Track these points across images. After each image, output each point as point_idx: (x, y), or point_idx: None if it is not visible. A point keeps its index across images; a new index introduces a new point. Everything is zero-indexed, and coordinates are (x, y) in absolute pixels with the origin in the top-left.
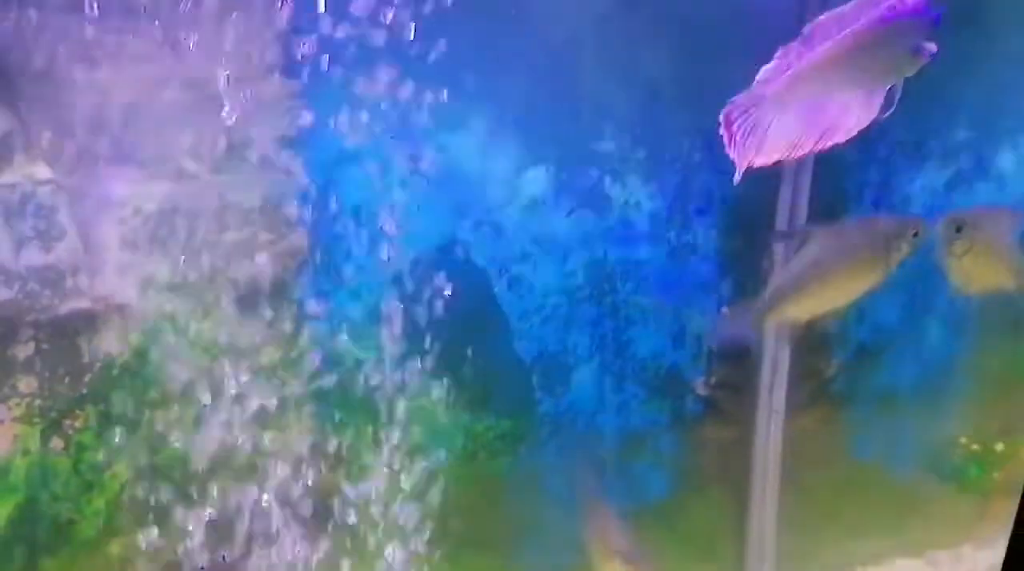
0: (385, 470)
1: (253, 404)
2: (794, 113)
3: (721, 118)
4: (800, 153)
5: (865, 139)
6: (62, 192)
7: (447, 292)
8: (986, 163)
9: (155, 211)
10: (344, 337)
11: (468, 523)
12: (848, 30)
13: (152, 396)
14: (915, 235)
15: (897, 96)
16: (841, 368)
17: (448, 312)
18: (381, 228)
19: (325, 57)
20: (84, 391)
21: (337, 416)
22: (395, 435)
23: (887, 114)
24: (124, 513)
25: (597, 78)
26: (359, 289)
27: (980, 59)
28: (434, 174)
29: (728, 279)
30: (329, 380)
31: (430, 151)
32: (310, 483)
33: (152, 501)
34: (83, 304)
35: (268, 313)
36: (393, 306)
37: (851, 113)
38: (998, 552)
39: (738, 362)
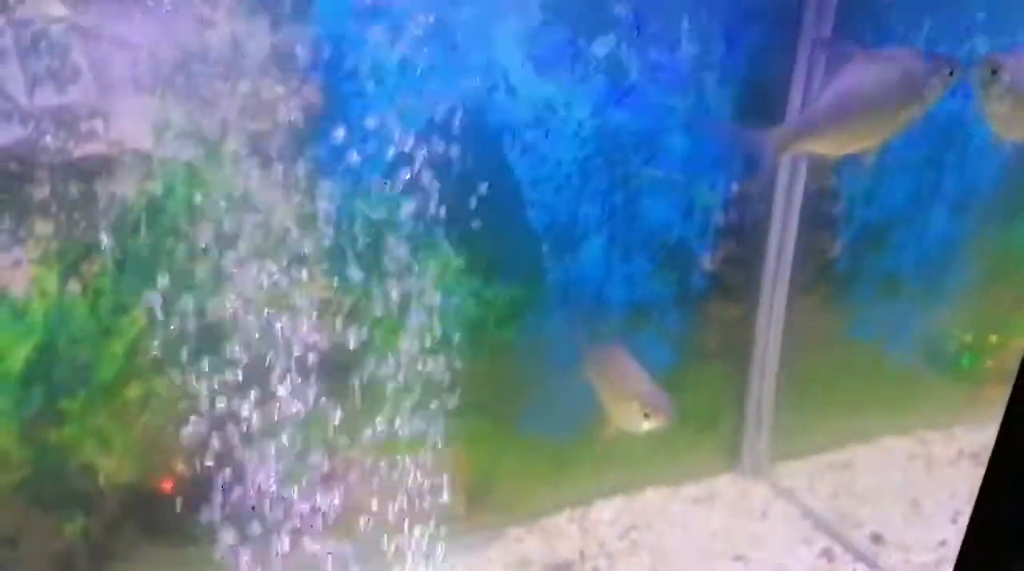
0: (393, 330)
1: (266, 258)
2: None
3: None
4: None
5: None
6: (76, 31)
7: (460, 155)
8: None
9: (170, 56)
10: (355, 195)
11: (474, 388)
12: None
13: (168, 244)
14: (951, 74)
15: None
16: (846, 248)
17: (460, 176)
18: (395, 86)
19: None
20: (101, 235)
21: (348, 274)
22: (405, 296)
23: None
24: (141, 359)
25: None
26: (371, 148)
27: None
28: (449, 35)
29: (740, 153)
30: (341, 238)
31: (446, 10)
32: (321, 339)
33: (169, 348)
34: (99, 148)
35: (281, 166)
36: (405, 167)
37: None
38: (988, 435)
39: (745, 238)
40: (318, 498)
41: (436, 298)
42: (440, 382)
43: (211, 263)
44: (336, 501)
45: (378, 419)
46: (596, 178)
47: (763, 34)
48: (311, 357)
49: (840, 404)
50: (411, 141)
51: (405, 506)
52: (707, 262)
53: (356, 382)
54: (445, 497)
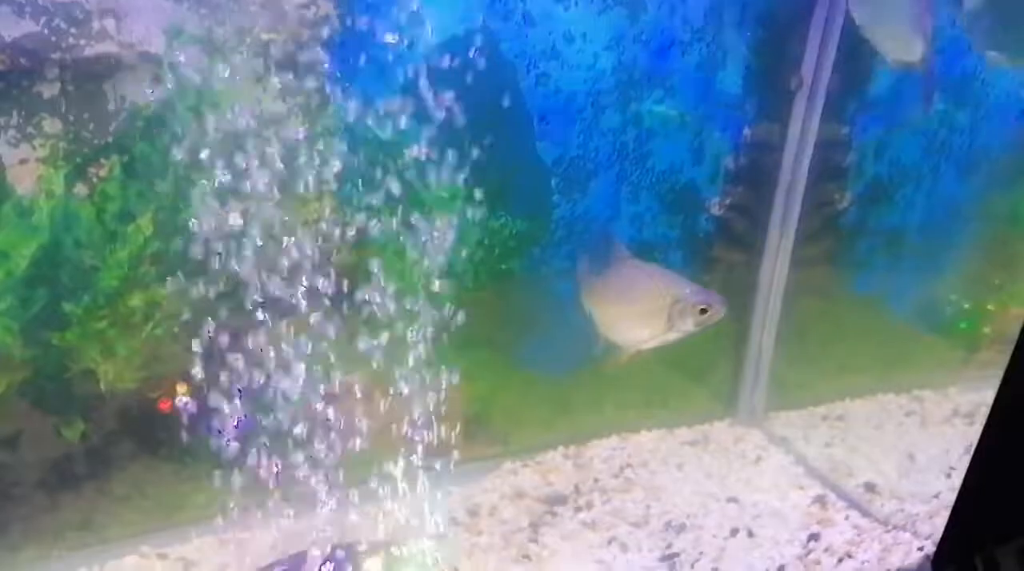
0: (399, 255)
1: (277, 173)
2: None
3: None
4: None
5: None
6: None
7: (473, 82)
8: None
9: None
10: (367, 118)
11: (475, 319)
12: None
13: (177, 153)
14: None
15: None
16: (854, 201)
17: (472, 104)
18: (410, 9)
19: None
20: (109, 139)
21: (354, 195)
22: (412, 221)
23: None
24: (146, 267)
25: None
26: (384, 70)
27: None
28: None
29: (753, 98)
30: (351, 160)
31: None
32: (330, 259)
33: (174, 259)
34: (110, 48)
35: (294, 82)
36: (417, 91)
37: None
38: (982, 396)
39: (754, 186)
40: (315, 419)
41: (442, 225)
42: (441, 310)
43: (218, 175)
44: (333, 423)
45: (377, 343)
46: (609, 113)
47: None
48: (315, 277)
49: (837, 358)
50: (424, 65)
51: (402, 432)
52: (714, 207)
53: (357, 305)
54: (442, 426)
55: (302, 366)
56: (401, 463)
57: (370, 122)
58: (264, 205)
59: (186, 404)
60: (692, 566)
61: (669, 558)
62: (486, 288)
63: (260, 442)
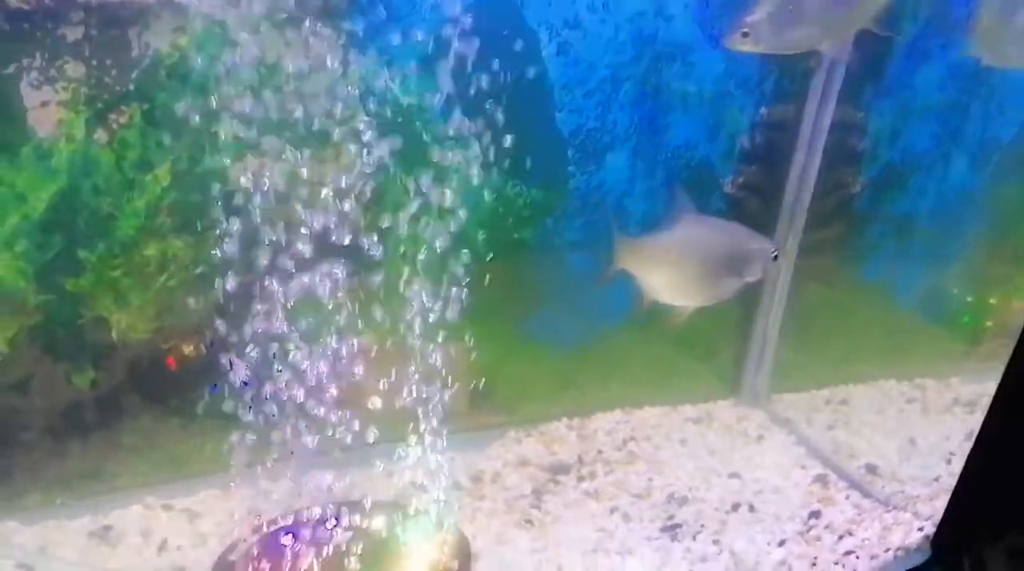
0: (414, 218)
1: (297, 131)
2: None
3: None
4: None
5: None
6: None
7: (494, 48)
8: None
9: None
10: (388, 78)
11: (486, 286)
12: None
13: (199, 103)
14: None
15: None
16: (866, 185)
17: (493, 70)
18: None
19: None
20: (131, 87)
21: (375, 156)
22: (426, 184)
23: None
24: (163, 218)
25: None
26: (405, 31)
27: None
28: None
29: (771, 78)
30: (370, 121)
31: None
32: (345, 218)
33: (191, 210)
34: None
35: (315, 40)
36: (438, 55)
37: None
38: (983, 386)
39: (768, 166)
40: (323, 379)
41: (457, 191)
42: (453, 276)
43: (237, 128)
44: (341, 383)
45: (390, 306)
46: (627, 86)
47: None
48: (330, 235)
49: (842, 343)
50: (446, 29)
51: (409, 395)
52: (727, 185)
53: (372, 266)
54: (448, 392)
55: (312, 324)
56: (407, 426)
57: (390, 83)
58: (281, 161)
59: (196, 358)
60: (694, 538)
61: (671, 529)
62: (497, 257)
63: (268, 399)
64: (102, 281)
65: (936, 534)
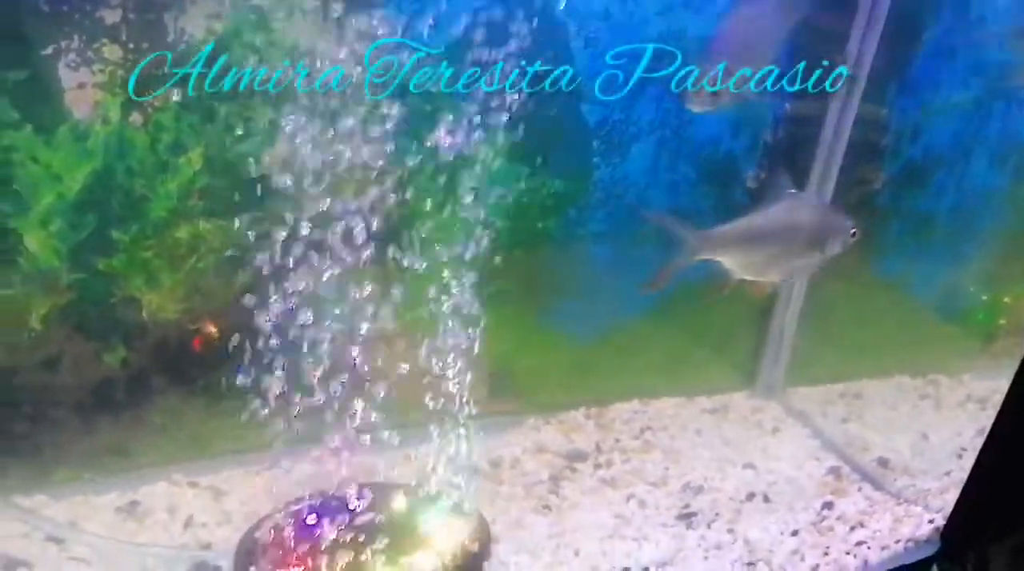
0: (438, 206)
1: (323, 113)
2: None
3: None
4: None
5: None
6: None
7: (520, 38)
8: None
9: None
10: (419, 68)
11: (507, 275)
12: None
13: (230, 90)
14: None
15: None
16: (887, 182)
17: (519, 59)
18: None
19: None
20: (166, 70)
21: (398, 140)
22: (448, 172)
23: None
24: (194, 201)
25: None
26: (433, 19)
27: None
28: None
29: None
30: (392, 104)
31: None
32: (365, 205)
33: (222, 193)
34: None
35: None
36: (464, 43)
37: None
38: (996, 384)
39: (791, 161)
40: (346, 363)
41: (481, 179)
42: (475, 264)
43: (271, 113)
44: (363, 367)
45: (415, 293)
46: (654, 79)
47: None
48: (355, 220)
49: (857, 338)
50: (471, 17)
51: (429, 380)
52: (750, 179)
53: (395, 253)
54: (468, 378)
55: (337, 309)
56: (428, 411)
57: (420, 73)
58: (312, 149)
59: (223, 339)
60: (709, 526)
61: (686, 517)
62: (520, 246)
63: (293, 381)
64: (134, 262)
65: (945, 527)
